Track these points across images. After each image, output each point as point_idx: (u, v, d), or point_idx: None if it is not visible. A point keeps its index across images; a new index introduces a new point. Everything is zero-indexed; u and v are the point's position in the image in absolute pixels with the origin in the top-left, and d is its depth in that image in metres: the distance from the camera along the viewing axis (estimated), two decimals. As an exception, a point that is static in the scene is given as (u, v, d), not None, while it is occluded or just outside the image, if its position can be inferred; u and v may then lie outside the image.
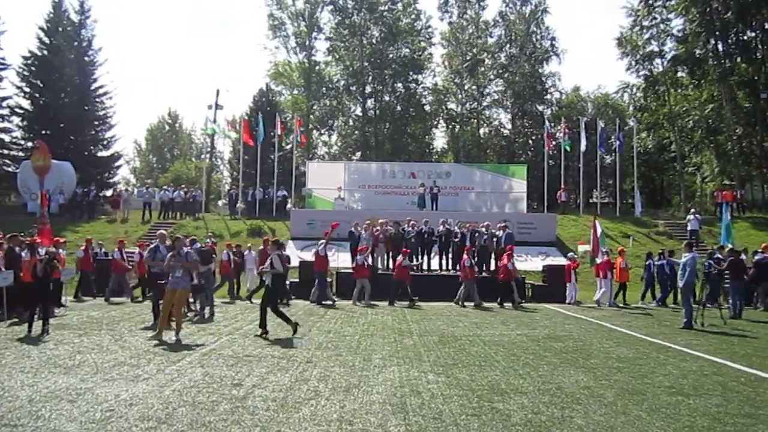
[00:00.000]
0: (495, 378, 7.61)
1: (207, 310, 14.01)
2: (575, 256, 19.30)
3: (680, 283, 13.67)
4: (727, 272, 16.24)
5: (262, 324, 11.16)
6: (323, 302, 17.12)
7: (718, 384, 7.53)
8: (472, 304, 17.30)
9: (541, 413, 6.02)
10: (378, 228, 20.76)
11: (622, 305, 18.07)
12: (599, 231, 19.83)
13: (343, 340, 10.58)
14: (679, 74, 43.05)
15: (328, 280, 18.36)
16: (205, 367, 7.98)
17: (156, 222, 29.50)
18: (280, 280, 11.84)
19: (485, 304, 17.26)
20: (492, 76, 50.30)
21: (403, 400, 6.40)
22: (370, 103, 50.26)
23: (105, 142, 43.41)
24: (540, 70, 49.18)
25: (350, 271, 19.39)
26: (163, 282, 10.96)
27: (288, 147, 41.21)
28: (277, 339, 10.55)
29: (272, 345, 9.88)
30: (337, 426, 5.52)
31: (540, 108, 49.17)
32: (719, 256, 17.12)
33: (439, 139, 56.93)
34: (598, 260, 18.61)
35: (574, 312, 16.28)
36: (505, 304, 17.37)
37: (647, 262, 19.05)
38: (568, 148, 34.01)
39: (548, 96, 50.24)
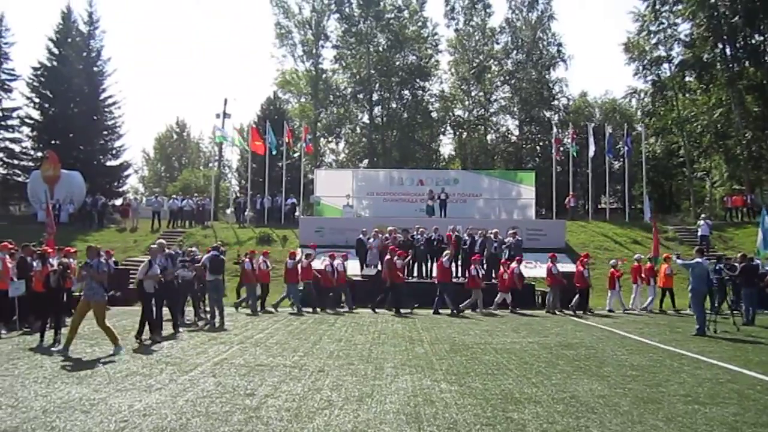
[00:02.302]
0: (508, 387, 7.57)
1: (217, 319, 14.03)
2: (618, 262, 19.27)
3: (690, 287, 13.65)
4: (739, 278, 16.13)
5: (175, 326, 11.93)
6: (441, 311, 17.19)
7: (734, 392, 7.45)
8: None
9: (556, 423, 5.97)
10: (387, 236, 20.76)
11: (672, 312, 18.24)
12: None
13: (355, 348, 10.55)
14: (687, 79, 42.86)
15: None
16: (217, 377, 7.98)
17: (165, 231, 29.58)
18: (161, 285, 12.04)
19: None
20: (499, 83, 50.33)
21: (416, 410, 6.37)
22: (377, 110, 50.35)
23: (114, 152, 43.66)
24: (547, 76, 49.09)
25: (362, 279, 19.52)
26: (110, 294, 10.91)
27: (296, 155, 41.32)
28: (288, 347, 10.53)
29: (283, 354, 9.86)
30: (351, 436, 5.50)
31: (547, 114, 49.08)
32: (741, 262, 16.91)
33: (447, 146, 57.00)
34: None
35: (584, 319, 16.22)
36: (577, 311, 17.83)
37: (718, 266, 18.76)
38: (575, 154, 33.92)
39: (555, 102, 50.10)
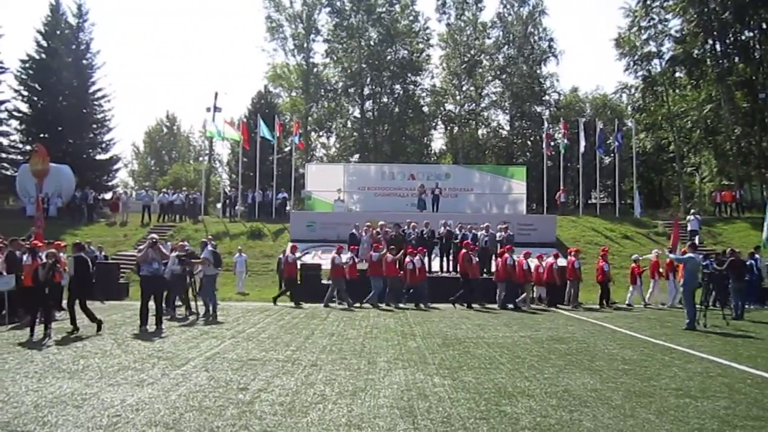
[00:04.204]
0: (501, 381, 7.59)
1: (211, 312, 14.08)
2: (639, 258, 19.31)
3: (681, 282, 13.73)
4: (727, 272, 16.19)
5: (72, 321, 11.61)
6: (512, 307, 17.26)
7: (724, 386, 7.51)
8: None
9: (549, 416, 5.99)
10: (378, 230, 20.74)
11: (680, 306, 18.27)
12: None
13: (347, 343, 10.55)
14: (678, 75, 43.10)
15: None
16: (210, 371, 7.95)
17: (155, 225, 29.47)
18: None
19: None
20: (490, 78, 50.30)
21: (410, 404, 6.38)
22: (368, 104, 50.24)
23: (103, 145, 43.43)
24: (538, 71, 49.14)
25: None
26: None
27: (287, 149, 41.20)
28: (280, 341, 10.51)
29: (275, 348, 9.84)
30: (345, 430, 5.49)
31: (538, 109, 49.19)
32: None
33: (438, 141, 57.03)
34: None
35: (575, 314, 16.29)
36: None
37: (705, 262, 18.79)
38: (563, 150, 33.97)
39: (546, 97, 50.17)
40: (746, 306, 16.64)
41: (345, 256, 18.00)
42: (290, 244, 19.32)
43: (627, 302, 18.58)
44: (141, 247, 12.96)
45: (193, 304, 15.31)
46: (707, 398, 6.84)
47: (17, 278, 12.67)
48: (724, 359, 9.36)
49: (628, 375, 8.08)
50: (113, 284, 19.46)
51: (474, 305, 17.22)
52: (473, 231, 20.77)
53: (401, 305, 17.23)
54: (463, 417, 5.92)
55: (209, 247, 14.84)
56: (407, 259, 17.68)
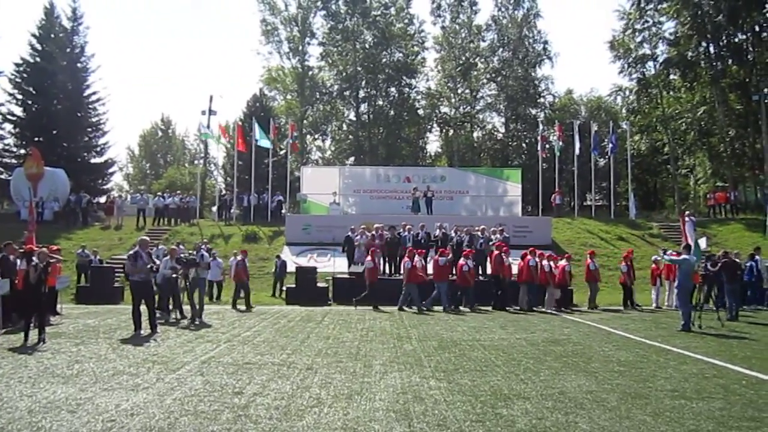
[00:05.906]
0: (497, 383, 7.58)
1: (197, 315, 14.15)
2: (659, 258, 19.32)
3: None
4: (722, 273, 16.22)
5: None
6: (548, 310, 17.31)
7: (719, 387, 7.52)
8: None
9: (545, 419, 5.99)
10: (374, 233, 20.72)
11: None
12: (689, 228, 19.61)
13: (343, 346, 10.54)
14: (672, 77, 43.25)
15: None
16: (205, 375, 7.92)
17: (150, 228, 29.37)
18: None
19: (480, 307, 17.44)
20: (485, 80, 50.41)
21: (406, 407, 6.37)
22: (363, 107, 50.23)
23: (98, 149, 43.25)
24: (533, 74, 49.24)
25: (347, 276, 19.44)
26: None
27: (282, 152, 41.15)
28: (276, 345, 10.48)
29: (271, 352, 9.82)
30: (341, 434, 5.49)
31: (533, 111, 49.29)
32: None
33: (433, 143, 57.08)
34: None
35: (571, 315, 16.31)
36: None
37: (704, 263, 18.28)
38: (558, 152, 34.04)
39: (541, 99, 50.27)
40: (752, 307, 16.70)
41: (418, 260, 17.81)
42: (370, 249, 19.14)
43: (654, 304, 18.60)
44: (131, 252, 12.90)
45: (186, 308, 15.29)
46: (702, 399, 6.84)
47: (11, 283, 12.60)
48: (720, 360, 9.38)
49: (623, 377, 8.08)
50: (108, 288, 19.42)
51: (507, 308, 17.36)
52: (470, 233, 20.73)
53: (461, 308, 17.32)
54: (459, 420, 5.91)
55: (203, 251, 14.87)
56: (461, 262, 17.69)
